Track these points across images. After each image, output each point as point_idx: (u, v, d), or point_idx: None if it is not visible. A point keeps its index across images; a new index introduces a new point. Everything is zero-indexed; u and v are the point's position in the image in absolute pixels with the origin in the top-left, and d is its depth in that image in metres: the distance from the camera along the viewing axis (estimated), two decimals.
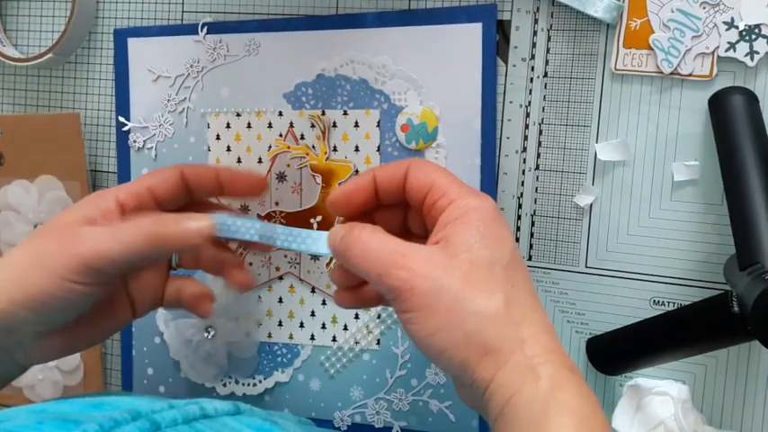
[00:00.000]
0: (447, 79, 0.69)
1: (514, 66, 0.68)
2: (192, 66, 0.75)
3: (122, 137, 0.78)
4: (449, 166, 0.69)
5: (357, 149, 0.71)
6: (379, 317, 0.72)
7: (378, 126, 0.70)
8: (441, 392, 0.72)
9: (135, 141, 0.77)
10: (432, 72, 0.69)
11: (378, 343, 0.73)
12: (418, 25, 0.69)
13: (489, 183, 0.68)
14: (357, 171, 0.71)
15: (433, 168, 0.54)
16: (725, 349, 0.64)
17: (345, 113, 0.71)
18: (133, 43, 0.77)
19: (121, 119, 0.77)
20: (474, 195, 0.52)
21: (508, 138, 0.68)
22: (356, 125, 0.71)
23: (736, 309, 0.54)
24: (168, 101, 0.76)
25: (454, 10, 0.68)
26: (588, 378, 0.68)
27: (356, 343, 0.73)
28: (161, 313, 0.78)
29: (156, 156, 0.77)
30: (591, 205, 0.66)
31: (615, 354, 0.65)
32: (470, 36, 0.68)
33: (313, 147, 0.72)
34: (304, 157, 0.72)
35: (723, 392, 0.65)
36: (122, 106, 0.78)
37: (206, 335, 0.75)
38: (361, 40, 0.71)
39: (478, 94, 0.68)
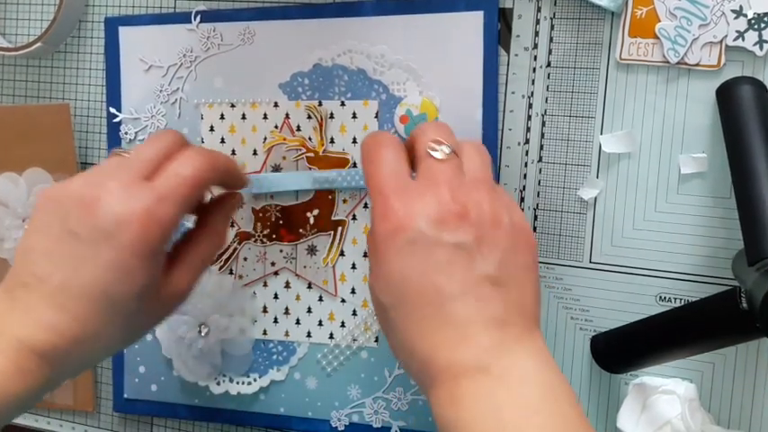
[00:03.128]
0: (447, 69, 0.68)
1: (516, 55, 0.67)
2: (184, 55, 0.75)
3: (113, 128, 0.78)
4: None
5: (355, 141, 0.71)
6: None
7: (376, 117, 0.70)
8: None
9: (126, 133, 0.77)
10: (431, 62, 0.69)
11: (376, 340, 0.73)
12: (418, 13, 0.69)
13: None
14: (355, 164, 0.71)
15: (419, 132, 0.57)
16: (733, 347, 0.64)
17: (343, 104, 0.71)
18: (124, 32, 0.77)
19: (112, 110, 0.77)
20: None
21: (510, 129, 0.68)
22: (354, 116, 0.71)
23: (744, 305, 0.54)
24: (160, 91, 0.76)
25: None
26: (592, 376, 0.68)
27: (354, 340, 0.73)
28: None
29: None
30: (595, 199, 0.66)
31: (620, 351, 0.65)
32: (471, 24, 0.67)
33: (309, 138, 0.72)
34: (300, 149, 0.72)
35: (731, 391, 0.65)
36: (113, 97, 0.78)
37: (199, 332, 0.75)
38: (359, 29, 0.70)
39: (479, 85, 0.68)
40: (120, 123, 0.77)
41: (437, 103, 0.69)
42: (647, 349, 0.63)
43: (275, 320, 0.75)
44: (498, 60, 0.68)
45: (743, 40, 0.61)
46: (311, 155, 0.72)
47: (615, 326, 0.66)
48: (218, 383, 0.77)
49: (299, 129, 0.72)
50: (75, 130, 0.80)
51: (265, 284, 0.75)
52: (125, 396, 0.81)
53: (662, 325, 0.62)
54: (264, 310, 0.75)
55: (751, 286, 0.54)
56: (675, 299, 0.65)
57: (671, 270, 0.65)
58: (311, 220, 0.73)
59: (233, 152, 0.74)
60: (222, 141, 0.74)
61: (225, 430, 0.80)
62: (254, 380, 0.76)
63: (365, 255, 0.72)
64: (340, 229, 0.73)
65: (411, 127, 0.69)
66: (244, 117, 0.74)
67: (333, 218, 0.72)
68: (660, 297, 0.65)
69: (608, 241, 0.66)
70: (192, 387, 0.78)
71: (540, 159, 0.68)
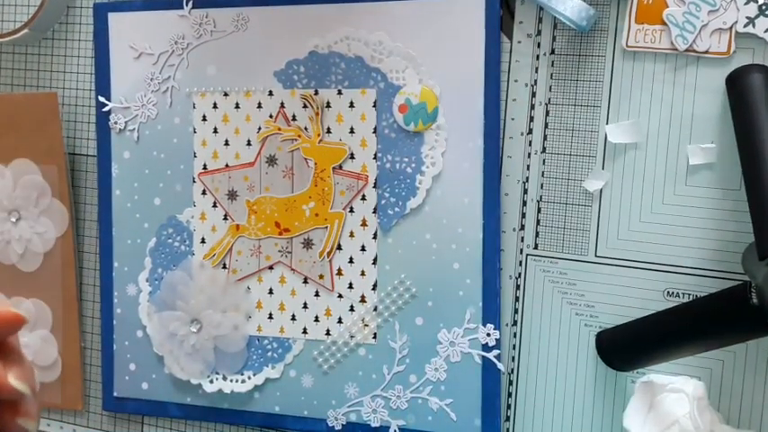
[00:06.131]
0: (448, 57, 0.68)
1: (519, 42, 0.67)
2: (176, 42, 0.75)
3: (102, 118, 0.78)
4: (449, 148, 0.69)
5: (352, 131, 0.71)
6: (375, 309, 0.72)
7: (374, 106, 0.70)
8: (441, 389, 0.72)
9: (116, 123, 0.77)
10: (431, 49, 0.69)
11: (374, 337, 0.73)
12: None
13: (493, 167, 0.68)
14: (353, 154, 0.71)
15: None
16: (743, 343, 0.64)
17: (340, 93, 0.71)
18: (114, 18, 0.77)
19: (102, 99, 0.77)
20: None
21: (513, 119, 0.68)
22: (351, 105, 0.71)
23: (755, 300, 0.54)
24: (151, 80, 0.76)
25: None
26: (597, 374, 0.68)
27: (351, 337, 0.73)
28: (144, 305, 0.79)
29: (138, 138, 0.77)
30: (601, 190, 0.66)
31: (626, 348, 0.65)
32: (473, 11, 0.67)
33: (305, 128, 0.72)
34: (296, 140, 0.72)
35: (741, 389, 0.65)
36: (103, 85, 0.78)
37: (191, 328, 0.75)
38: (357, 15, 0.70)
39: (481, 73, 0.68)
40: (109, 113, 0.77)
41: (437, 92, 0.69)
42: (654, 346, 0.63)
43: (270, 316, 0.75)
44: (500, 48, 0.68)
45: (753, 26, 0.61)
46: (307, 145, 0.72)
47: (621, 322, 0.66)
48: (211, 381, 0.77)
49: (294, 118, 0.72)
50: (64, 120, 0.80)
51: (260, 279, 0.75)
52: (115, 394, 0.81)
53: (669, 321, 0.62)
54: (259, 305, 0.75)
55: (761, 281, 0.54)
56: (683, 294, 0.65)
57: (679, 264, 0.65)
58: (307, 213, 0.73)
59: (226, 142, 0.74)
60: (215, 131, 0.74)
61: (218, 430, 0.80)
62: (249, 378, 0.76)
63: (363, 248, 0.72)
64: (337, 221, 0.72)
65: (410, 117, 0.69)
66: (237, 106, 0.74)
67: (330, 210, 0.72)
68: (668, 292, 0.65)
69: (614, 234, 0.66)
70: (184, 385, 0.78)
71: (544, 150, 0.68)
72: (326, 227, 0.73)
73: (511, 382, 0.71)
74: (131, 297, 0.79)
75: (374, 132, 0.70)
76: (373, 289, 0.72)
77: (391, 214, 0.71)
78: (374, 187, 0.71)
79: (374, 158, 0.71)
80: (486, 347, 0.70)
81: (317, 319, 0.74)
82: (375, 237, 0.72)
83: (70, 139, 0.80)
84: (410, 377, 0.72)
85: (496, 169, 0.68)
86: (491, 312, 0.70)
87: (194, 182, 0.76)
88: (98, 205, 0.79)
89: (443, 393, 0.72)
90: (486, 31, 0.67)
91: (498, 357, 0.70)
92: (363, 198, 0.72)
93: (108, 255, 0.80)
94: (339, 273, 0.73)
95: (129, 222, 0.78)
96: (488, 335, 0.70)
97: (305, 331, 0.74)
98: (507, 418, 0.72)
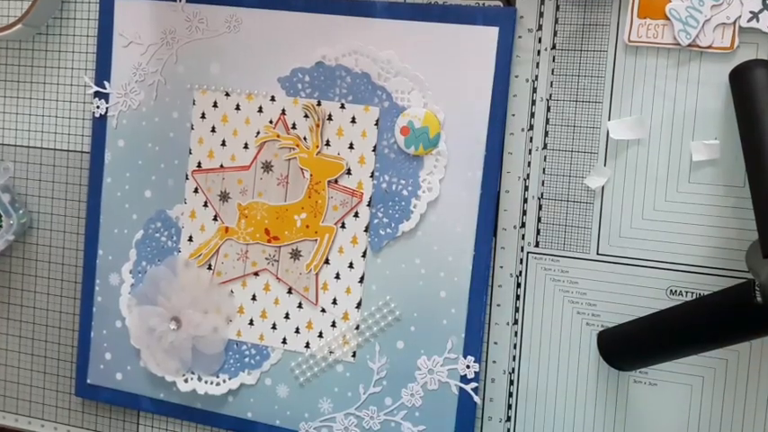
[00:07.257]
0: (455, 84, 0.69)
1: (520, 37, 0.69)
2: (166, 36, 0.76)
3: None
4: (448, 176, 0.69)
5: (351, 147, 0.71)
6: (357, 327, 0.71)
7: (376, 124, 0.71)
8: (415, 415, 0.70)
9: (98, 107, 0.78)
10: (440, 74, 0.70)
11: (353, 355, 0.71)
12: (431, 21, 0.69)
13: (489, 199, 0.68)
14: (349, 170, 0.71)
15: None
16: (747, 343, 0.63)
17: (343, 107, 0.72)
18: (119, 3, 0.78)
19: (103, 86, 0.78)
20: None
21: (513, 115, 0.68)
22: (353, 121, 0.71)
23: (759, 299, 0.53)
24: (137, 70, 0.77)
25: (471, 9, 0.69)
26: (599, 374, 0.66)
27: (330, 352, 0.72)
28: (125, 297, 0.78)
29: (116, 125, 0.77)
30: (603, 187, 0.66)
31: (629, 347, 0.64)
32: (485, 40, 0.68)
33: (304, 138, 0.72)
34: (294, 149, 0.72)
35: (745, 389, 0.63)
36: (103, 70, 0.78)
37: (171, 326, 0.74)
38: (368, 31, 0.71)
39: (487, 107, 0.68)
40: (99, 97, 0.78)
41: (441, 118, 0.69)
42: (656, 345, 0.62)
43: (251, 322, 0.74)
44: (510, 84, 0.68)
45: (757, 21, 0.62)
46: (304, 155, 0.72)
47: (623, 321, 0.65)
48: (186, 381, 0.76)
49: (294, 127, 0.73)
50: (59, 116, 0.80)
51: (244, 284, 0.74)
52: (88, 381, 0.80)
53: (672, 320, 0.61)
54: (241, 310, 0.74)
55: (765, 279, 0.53)
56: (686, 292, 0.64)
57: (682, 262, 0.64)
58: (298, 224, 0.72)
59: (223, 143, 0.74)
60: (213, 130, 0.74)
61: (214, 430, 0.78)
62: (224, 381, 0.75)
63: (351, 265, 0.71)
64: (327, 235, 0.71)
65: (412, 140, 0.69)
66: (238, 107, 0.74)
67: (321, 223, 0.71)
68: (671, 290, 0.64)
69: (616, 232, 0.66)
70: (159, 381, 0.76)
71: (545, 146, 0.68)
72: (316, 239, 0.72)
73: (511, 382, 0.69)
74: (113, 287, 0.78)
75: (373, 151, 0.71)
76: (357, 307, 0.71)
77: (383, 235, 0.70)
78: (368, 206, 0.71)
79: (371, 177, 0.70)
80: (464, 379, 0.69)
81: (297, 331, 0.72)
82: (364, 255, 0.71)
83: (65, 135, 0.80)
84: (385, 399, 0.71)
85: (493, 202, 0.68)
86: (473, 344, 0.68)
87: (187, 179, 0.75)
88: (88, 189, 0.79)
89: (417, 419, 0.70)
90: (497, 65, 0.68)
91: (476, 390, 0.69)
92: (356, 215, 0.71)
93: (93, 241, 0.79)
94: (324, 287, 0.72)
95: (118, 212, 0.78)
96: (468, 367, 0.68)
97: (284, 341, 0.73)
98: (508, 418, 0.70)
